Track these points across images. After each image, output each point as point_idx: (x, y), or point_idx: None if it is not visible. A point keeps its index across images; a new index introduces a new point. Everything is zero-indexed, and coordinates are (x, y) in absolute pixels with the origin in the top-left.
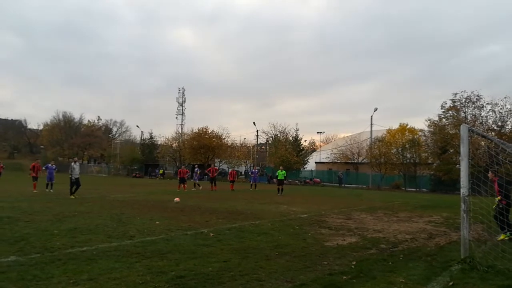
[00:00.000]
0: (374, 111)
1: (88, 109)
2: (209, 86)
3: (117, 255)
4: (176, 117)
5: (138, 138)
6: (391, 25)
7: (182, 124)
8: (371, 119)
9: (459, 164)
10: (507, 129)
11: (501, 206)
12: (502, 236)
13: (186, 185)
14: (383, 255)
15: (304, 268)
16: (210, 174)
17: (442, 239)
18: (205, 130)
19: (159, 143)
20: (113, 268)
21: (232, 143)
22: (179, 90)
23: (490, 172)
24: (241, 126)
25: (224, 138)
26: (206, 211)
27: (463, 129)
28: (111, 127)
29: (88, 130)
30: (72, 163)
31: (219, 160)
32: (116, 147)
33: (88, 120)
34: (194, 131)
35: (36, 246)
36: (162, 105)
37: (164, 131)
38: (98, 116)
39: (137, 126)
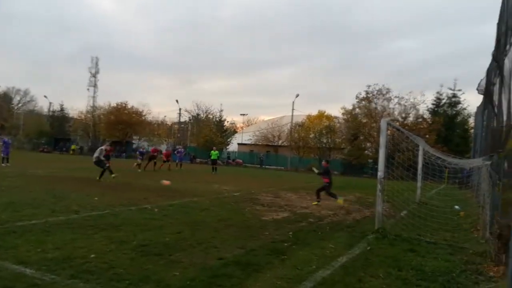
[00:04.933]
0: (296, 97)
1: None
2: (127, 58)
3: (71, 228)
4: (88, 89)
5: (46, 110)
6: (315, 12)
7: (94, 96)
8: (293, 104)
9: (368, 150)
10: (409, 121)
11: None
12: (339, 201)
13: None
14: (312, 227)
15: (250, 237)
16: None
17: (357, 215)
18: (124, 105)
19: (70, 116)
20: (74, 238)
21: (153, 120)
22: (92, 60)
23: (324, 161)
24: (161, 103)
25: (145, 115)
26: (141, 189)
27: (383, 122)
28: (12, 95)
29: None
30: None
31: (138, 137)
32: (19, 117)
33: None
34: (112, 105)
35: None
36: (74, 75)
37: (76, 103)
38: None
39: (45, 97)
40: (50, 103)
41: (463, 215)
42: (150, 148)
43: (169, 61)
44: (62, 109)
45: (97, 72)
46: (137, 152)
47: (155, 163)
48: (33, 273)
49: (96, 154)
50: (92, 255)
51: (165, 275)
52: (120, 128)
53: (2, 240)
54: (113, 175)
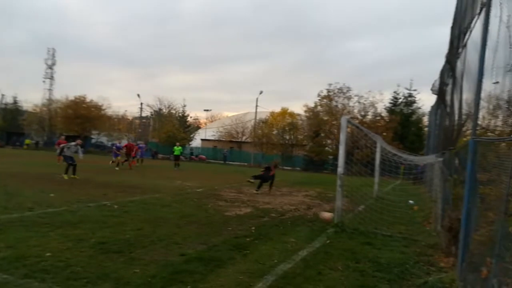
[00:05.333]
0: (260, 93)
1: None
2: (85, 50)
3: (25, 225)
4: (44, 81)
5: None
6: (279, 10)
7: (50, 89)
8: (257, 101)
9: (329, 147)
10: (368, 119)
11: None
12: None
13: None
14: (275, 222)
15: (212, 233)
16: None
17: (318, 209)
18: (82, 98)
19: (24, 109)
20: (28, 236)
21: (114, 115)
22: (48, 51)
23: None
24: (121, 97)
25: (105, 109)
26: (99, 185)
27: (343, 120)
28: None
29: None
30: None
31: (97, 132)
32: None
33: None
34: (70, 98)
35: None
36: (29, 66)
37: (30, 96)
38: None
39: None
40: (2, 95)
41: (417, 209)
42: (123, 144)
43: (130, 54)
44: (15, 102)
45: (53, 63)
46: (114, 147)
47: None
48: None
49: (72, 150)
50: (48, 254)
51: (125, 272)
52: (79, 123)
53: None
54: (73, 176)
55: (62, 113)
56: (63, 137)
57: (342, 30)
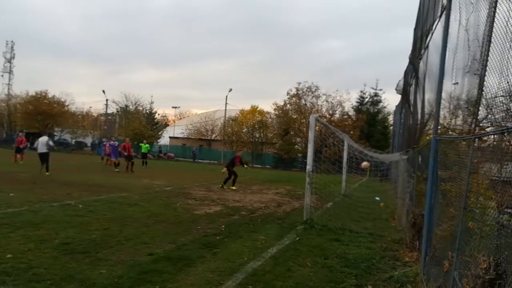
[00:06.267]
0: (229, 91)
1: None
2: (48, 44)
3: None
4: (2, 75)
5: None
6: (248, 7)
7: (9, 84)
8: (226, 98)
9: (298, 145)
10: (335, 117)
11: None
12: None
13: (23, 156)
14: (245, 219)
15: (181, 232)
16: (125, 151)
17: (287, 207)
18: (44, 94)
19: None
20: None
21: (77, 111)
22: (7, 44)
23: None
24: (86, 93)
25: (68, 105)
26: (63, 184)
27: (312, 118)
28: None
29: None
30: None
31: (60, 129)
32: None
33: None
34: (31, 94)
35: None
36: None
37: None
38: None
39: None
40: None
41: (383, 206)
42: (115, 143)
43: (94, 49)
44: None
45: (12, 57)
46: (107, 145)
47: (132, 163)
48: None
49: (47, 146)
50: (9, 255)
51: (91, 273)
52: (40, 119)
53: None
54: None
55: (22, 109)
56: (22, 133)
57: (310, 30)
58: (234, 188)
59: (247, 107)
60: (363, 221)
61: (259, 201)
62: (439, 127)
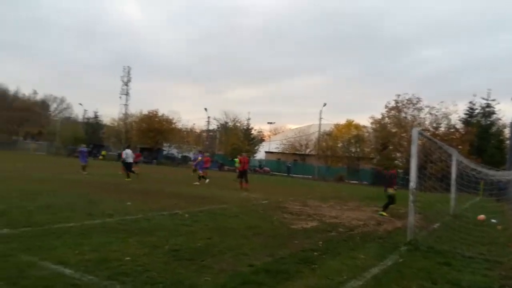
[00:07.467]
0: (324, 106)
1: (21, 82)
2: (156, 67)
3: (106, 231)
4: (120, 97)
5: (81, 117)
6: (341, 20)
7: (126, 104)
8: (320, 113)
9: (398, 160)
10: (440, 131)
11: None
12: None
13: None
14: (342, 237)
15: (279, 245)
16: (240, 166)
17: (389, 226)
18: (155, 113)
19: (104, 123)
20: (109, 242)
21: (183, 128)
22: (124, 69)
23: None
24: (188, 110)
25: (175, 123)
26: (171, 195)
27: (414, 131)
28: (49, 103)
29: (23, 105)
30: None
31: (168, 144)
32: (55, 124)
33: (23, 94)
34: (144, 113)
35: (20, 220)
36: (106, 83)
37: (108, 110)
38: (34, 90)
39: (80, 104)
40: (85, 110)
41: (501, 229)
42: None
43: (197, 70)
44: (96, 116)
45: (129, 80)
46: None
47: (246, 180)
48: (72, 274)
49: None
50: (127, 258)
51: (197, 280)
52: (151, 136)
53: (41, 241)
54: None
55: (137, 127)
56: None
57: (408, 39)
58: (385, 214)
59: (342, 121)
60: (476, 245)
61: (357, 218)
62: None
